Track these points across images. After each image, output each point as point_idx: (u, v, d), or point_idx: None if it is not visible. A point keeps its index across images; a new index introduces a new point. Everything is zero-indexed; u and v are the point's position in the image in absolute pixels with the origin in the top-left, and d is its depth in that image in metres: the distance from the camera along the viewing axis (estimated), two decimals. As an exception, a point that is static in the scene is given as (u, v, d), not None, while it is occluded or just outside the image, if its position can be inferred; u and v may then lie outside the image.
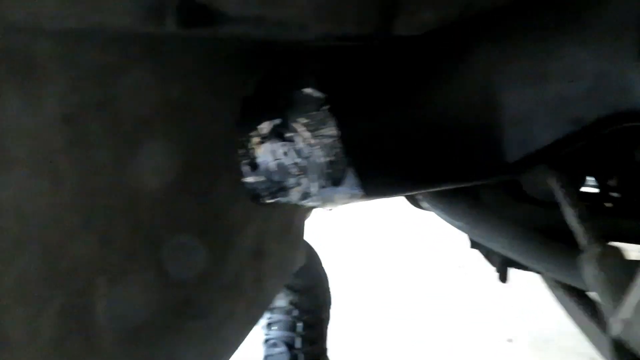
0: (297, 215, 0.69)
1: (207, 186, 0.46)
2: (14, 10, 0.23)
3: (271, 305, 1.05)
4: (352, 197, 0.54)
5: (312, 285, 1.04)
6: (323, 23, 0.47)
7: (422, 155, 0.52)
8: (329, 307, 1.09)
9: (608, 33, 0.48)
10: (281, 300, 1.03)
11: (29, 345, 0.27)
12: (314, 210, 1.05)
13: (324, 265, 1.10)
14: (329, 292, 1.10)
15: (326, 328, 1.07)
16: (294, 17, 0.43)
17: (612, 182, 0.76)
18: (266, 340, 1.04)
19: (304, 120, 0.51)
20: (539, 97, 0.50)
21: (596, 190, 0.78)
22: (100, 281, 0.34)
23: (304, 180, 0.52)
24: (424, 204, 0.71)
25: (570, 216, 0.50)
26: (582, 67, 0.49)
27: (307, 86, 0.52)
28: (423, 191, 0.64)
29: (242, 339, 0.57)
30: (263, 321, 1.07)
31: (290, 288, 1.02)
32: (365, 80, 0.54)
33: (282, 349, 0.97)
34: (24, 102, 0.25)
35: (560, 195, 0.54)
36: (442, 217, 0.68)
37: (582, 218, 0.51)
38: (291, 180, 0.53)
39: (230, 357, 0.55)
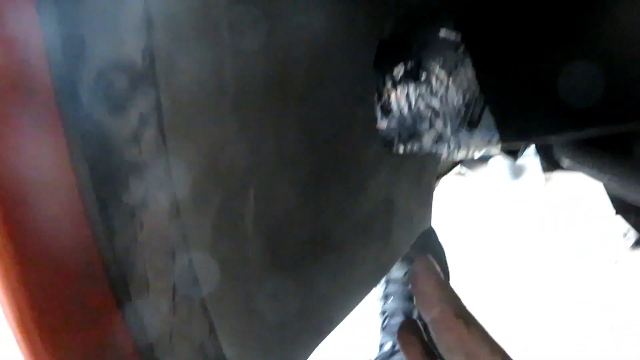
0: (426, 174, 0.68)
1: (345, 123, 0.48)
2: None
3: (386, 278, 1.05)
4: (488, 142, 0.52)
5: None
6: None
7: (571, 94, 0.48)
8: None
9: None
10: (398, 272, 1.02)
11: (190, 244, 0.29)
12: (441, 179, 1.03)
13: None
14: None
15: None
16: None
17: None
18: (383, 312, 1.04)
19: (440, 62, 0.50)
20: None
21: None
22: (251, 191, 0.36)
23: (438, 123, 0.52)
24: (565, 162, 0.66)
25: None
26: None
27: (444, 27, 0.51)
28: (565, 137, 0.59)
29: (369, 288, 0.57)
30: (378, 294, 1.07)
31: (406, 259, 1.00)
32: (507, 16, 0.51)
33: (400, 319, 0.95)
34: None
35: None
36: (586, 173, 0.63)
37: None
38: (424, 124, 0.52)
39: (357, 302, 0.55)
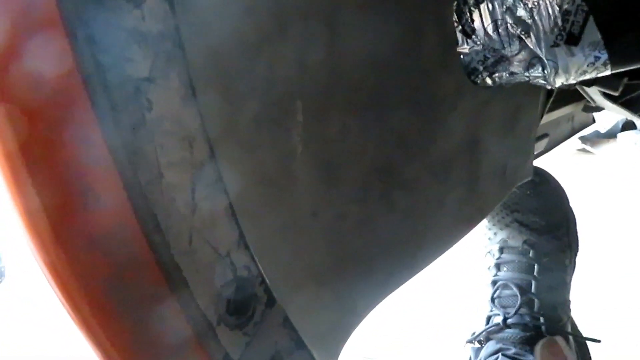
0: (523, 117, 0.60)
1: (413, 41, 0.42)
2: None
3: (502, 245, 0.95)
4: (593, 64, 0.44)
5: (554, 226, 0.89)
6: None
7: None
8: (575, 253, 0.92)
9: None
10: (514, 240, 0.91)
11: (225, 135, 0.27)
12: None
13: (571, 206, 0.94)
14: (575, 235, 0.92)
15: (570, 276, 0.91)
16: None
17: None
18: (494, 282, 0.93)
19: (530, -35, 0.43)
20: None
21: None
22: (298, 104, 0.33)
23: (530, 41, 0.44)
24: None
25: None
26: None
27: None
28: None
29: (451, 241, 0.51)
30: (489, 262, 0.97)
31: (526, 226, 0.89)
32: None
33: (514, 291, 0.86)
34: None
35: None
36: None
37: None
38: (514, 45, 0.45)
39: (435, 254, 0.50)
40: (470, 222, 0.55)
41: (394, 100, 0.41)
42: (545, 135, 0.90)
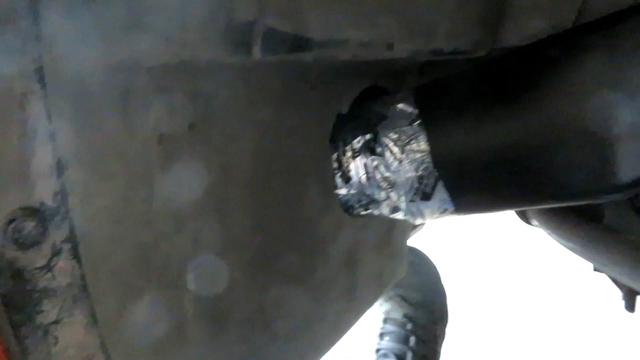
0: (397, 227, 0.70)
1: (296, 197, 0.50)
2: (115, 52, 0.29)
3: (386, 316, 1.06)
4: (443, 212, 0.54)
5: (430, 301, 1.03)
6: (411, 41, 0.48)
7: (520, 171, 0.50)
8: (445, 325, 1.06)
9: None
10: (396, 312, 1.04)
11: (122, 326, 0.32)
12: (426, 225, 1.04)
13: (443, 281, 1.08)
14: (446, 309, 1.07)
15: (440, 346, 1.05)
16: (379, 37, 0.45)
17: None
18: (377, 350, 1.05)
19: (394, 136, 0.52)
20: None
21: None
22: (190, 277, 0.39)
23: (393, 194, 0.53)
24: (534, 221, 0.67)
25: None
26: None
27: (402, 101, 0.53)
28: (519, 209, 0.61)
29: (331, 345, 0.59)
30: (376, 330, 1.09)
31: (407, 301, 1.02)
32: (462, 93, 0.53)
33: None
34: (122, 126, 0.31)
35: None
36: (552, 237, 0.64)
37: None
38: (381, 194, 0.54)
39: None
40: (348, 326, 0.63)
41: (279, 249, 0.48)
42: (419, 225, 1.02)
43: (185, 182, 0.36)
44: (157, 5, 0.30)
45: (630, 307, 0.68)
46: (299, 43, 0.40)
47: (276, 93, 0.44)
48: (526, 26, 0.55)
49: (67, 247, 0.27)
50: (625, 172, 0.47)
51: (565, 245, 0.63)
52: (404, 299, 1.01)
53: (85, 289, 0.29)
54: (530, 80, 0.49)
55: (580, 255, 0.63)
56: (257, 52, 0.37)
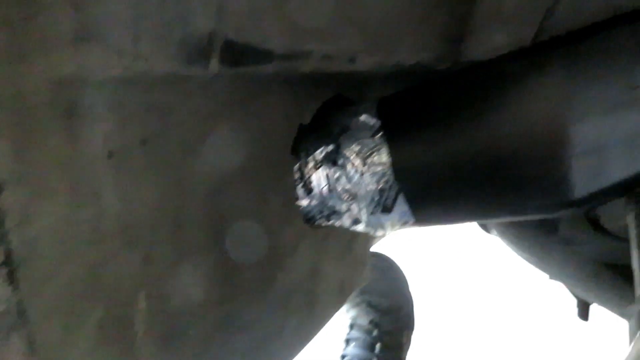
0: (359, 237, 0.70)
1: (257, 208, 0.49)
2: (62, 65, 0.27)
3: (352, 322, 1.06)
4: (404, 225, 0.54)
5: (397, 307, 1.03)
6: (374, 54, 0.48)
7: (478, 185, 0.50)
8: (411, 332, 1.07)
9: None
10: (362, 319, 1.03)
11: (65, 352, 0.31)
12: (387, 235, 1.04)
13: (410, 288, 1.08)
14: (412, 316, 1.08)
15: (405, 353, 1.06)
16: (342, 50, 0.45)
17: None
18: (342, 357, 1.05)
19: (356, 147, 0.52)
20: (615, 127, 0.47)
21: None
22: (141, 295, 0.38)
23: (354, 207, 0.53)
24: (493, 231, 0.68)
25: (636, 260, 0.46)
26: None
27: (365, 113, 0.53)
28: (478, 221, 0.62)
29: (293, 356, 0.59)
30: (342, 336, 1.08)
31: (373, 307, 1.02)
32: (424, 106, 0.53)
33: None
34: (68, 140, 0.29)
35: (632, 234, 0.50)
36: (510, 247, 0.65)
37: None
38: (343, 206, 0.54)
39: None
40: (309, 337, 0.63)
41: (238, 262, 0.47)
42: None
43: (136, 198, 0.35)
44: (107, 15, 0.28)
45: (584, 316, 0.70)
46: (259, 55, 0.39)
47: (236, 104, 0.43)
48: (488, 40, 0.55)
49: (2, 272, 0.26)
50: (580, 187, 0.48)
51: (522, 257, 0.64)
52: (370, 305, 1.01)
53: (24, 314, 0.27)
54: (489, 96, 0.50)
55: (537, 267, 0.64)
56: (215, 64, 0.36)
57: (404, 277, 1.05)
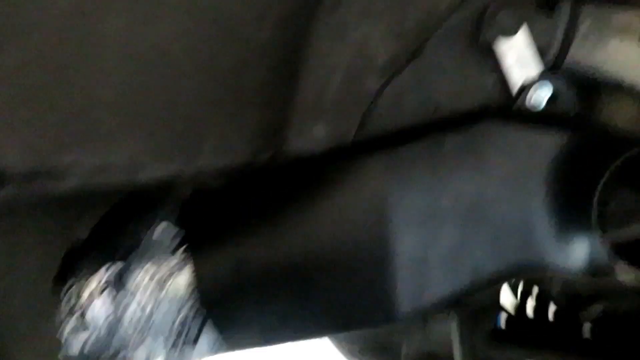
0: None
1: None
2: None
3: None
4: (215, 352, 0.45)
5: None
6: (167, 161, 0.38)
7: (295, 301, 0.44)
8: None
9: (515, 175, 0.43)
10: None
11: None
12: None
13: None
14: None
15: None
16: (118, 160, 0.34)
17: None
18: None
19: (151, 268, 0.41)
20: (433, 239, 0.44)
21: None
22: None
23: (148, 339, 0.42)
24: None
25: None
26: (483, 209, 0.43)
27: (162, 222, 0.43)
28: (301, 340, 0.56)
29: None
30: None
31: None
32: (236, 211, 0.45)
33: None
34: None
35: (455, 341, 0.48)
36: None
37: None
38: (134, 338, 0.43)
39: None
40: None
41: None
42: None
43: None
44: None
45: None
46: None
47: None
48: (309, 132, 0.50)
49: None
50: (404, 302, 0.44)
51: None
52: None
53: None
54: (305, 198, 0.44)
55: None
56: None
57: None
